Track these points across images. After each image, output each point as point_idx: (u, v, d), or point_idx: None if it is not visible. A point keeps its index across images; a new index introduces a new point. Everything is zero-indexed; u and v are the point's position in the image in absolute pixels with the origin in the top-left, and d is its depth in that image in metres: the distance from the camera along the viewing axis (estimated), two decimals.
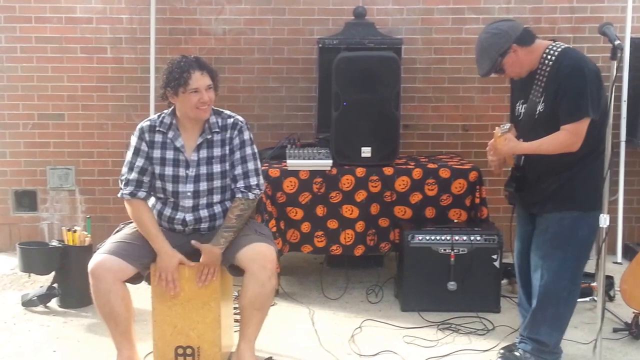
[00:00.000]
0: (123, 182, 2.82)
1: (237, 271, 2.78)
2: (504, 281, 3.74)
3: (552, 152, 2.72)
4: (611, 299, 3.64)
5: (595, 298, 3.49)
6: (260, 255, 2.69)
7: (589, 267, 3.12)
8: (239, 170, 2.82)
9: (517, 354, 2.92)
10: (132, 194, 2.78)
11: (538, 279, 2.83)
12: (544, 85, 2.73)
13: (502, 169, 2.96)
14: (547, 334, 2.85)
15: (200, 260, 2.75)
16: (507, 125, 2.83)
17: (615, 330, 3.25)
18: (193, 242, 2.78)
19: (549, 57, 2.72)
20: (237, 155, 2.83)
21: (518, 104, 2.89)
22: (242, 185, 2.81)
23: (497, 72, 2.80)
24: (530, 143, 2.78)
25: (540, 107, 2.75)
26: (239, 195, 2.80)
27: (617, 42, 2.46)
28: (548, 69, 2.72)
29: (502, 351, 3.03)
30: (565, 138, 2.67)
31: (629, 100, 4.17)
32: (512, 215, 3.04)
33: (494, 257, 3.50)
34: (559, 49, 2.72)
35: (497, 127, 2.85)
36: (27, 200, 4.56)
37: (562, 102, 2.66)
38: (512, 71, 2.79)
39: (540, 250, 2.84)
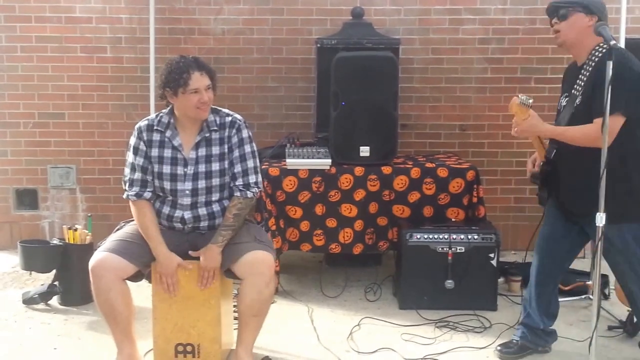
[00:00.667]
0: (127, 183, 2.83)
1: (234, 275, 2.79)
2: (501, 279, 3.77)
3: (578, 143, 2.67)
4: (606, 297, 3.66)
5: (591, 296, 3.54)
6: (257, 263, 2.71)
7: (584, 265, 3.16)
8: (237, 168, 2.84)
9: None
10: (138, 195, 2.80)
11: (634, 290, 2.81)
12: (586, 79, 2.73)
13: (534, 166, 2.93)
14: None
15: (201, 262, 2.76)
16: (530, 100, 2.72)
17: (610, 328, 3.27)
18: (190, 252, 2.80)
19: (597, 53, 2.72)
20: (236, 153, 2.84)
21: (562, 97, 2.88)
22: (241, 183, 2.83)
23: (556, 15, 2.74)
24: (555, 127, 2.75)
25: (578, 100, 2.74)
26: (237, 193, 2.82)
27: (613, 42, 2.46)
28: (593, 64, 2.71)
29: (499, 347, 3.06)
30: (594, 130, 2.60)
31: None
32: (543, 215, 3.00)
33: (491, 255, 3.52)
34: (607, 47, 2.66)
35: (515, 97, 2.75)
36: (28, 198, 4.58)
37: (597, 95, 2.62)
38: (564, 31, 2.73)
39: (619, 266, 2.79)
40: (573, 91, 2.78)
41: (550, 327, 3.07)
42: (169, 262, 2.76)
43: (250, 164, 2.85)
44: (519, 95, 2.73)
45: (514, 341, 3.06)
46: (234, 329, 2.95)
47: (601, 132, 2.54)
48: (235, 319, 2.98)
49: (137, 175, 2.81)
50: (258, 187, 2.87)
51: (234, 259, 2.73)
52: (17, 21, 4.43)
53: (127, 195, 2.82)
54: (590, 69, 2.73)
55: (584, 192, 2.71)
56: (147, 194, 2.81)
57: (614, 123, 2.60)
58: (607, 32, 2.54)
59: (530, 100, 2.72)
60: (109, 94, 4.48)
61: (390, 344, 3.16)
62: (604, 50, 2.70)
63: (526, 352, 3.04)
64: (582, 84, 2.75)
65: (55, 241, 3.70)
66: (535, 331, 3.03)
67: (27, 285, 3.90)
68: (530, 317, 3.03)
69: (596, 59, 2.72)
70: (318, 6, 4.40)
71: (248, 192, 2.82)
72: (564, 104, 2.85)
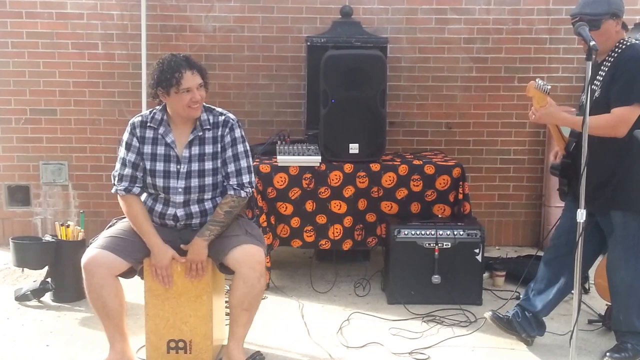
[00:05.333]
0: (117, 178, 2.85)
1: (227, 270, 2.83)
2: (486, 274, 3.85)
3: (595, 132, 2.71)
4: (586, 291, 3.74)
5: (572, 291, 3.63)
6: (249, 257, 2.74)
7: None
8: (231, 167, 2.87)
9: (628, 345, 2.95)
10: (127, 190, 2.82)
11: (619, 277, 2.92)
12: (604, 74, 2.81)
13: (555, 158, 2.99)
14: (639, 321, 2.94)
15: (187, 255, 2.80)
16: (548, 87, 2.76)
17: (590, 322, 3.35)
18: (182, 246, 2.83)
19: (617, 49, 2.81)
20: (229, 152, 2.87)
21: (582, 93, 2.93)
22: (235, 182, 2.86)
23: (590, 23, 2.74)
24: (572, 116, 2.82)
25: (597, 94, 2.81)
26: (231, 192, 2.85)
27: (592, 42, 2.53)
28: (612, 59, 2.80)
29: (490, 313, 3.15)
30: (610, 120, 2.69)
31: None
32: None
33: (476, 251, 3.59)
34: (628, 42, 2.80)
35: (532, 80, 2.79)
36: (20, 195, 4.58)
37: (615, 87, 2.71)
38: (598, 39, 2.74)
39: (614, 252, 2.91)
40: (592, 86, 2.86)
41: (542, 318, 3.13)
42: (163, 254, 2.78)
43: (243, 163, 2.88)
44: (537, 80, 2.76)
45: (506, 316, 3.14)
46: (226, 325, 2.99)
47: (618, 121, 2.63)
48: (226, 315, 3.02)
49: (128, 171, 2.83)
50: (251, 187, 2.90)
51: (225, 252, 2.77)
52: (8, 17, 4.42)
53: (116, 189, 2.84)
54: (609, 64, 2.82)
55: (600, 186, 2.80)
56: (136, 189, 2.84)
57: (632, 113, 2.69)
58: (587, 32, 2.61)
59: (549, 87, 2.76)
60: (101, 90, 4.50)
61: (379, 339, 3.22)
62: (623, 47, 2.79)
63: (511, 330, 3.11)
64: (601, 79, 2.83)
65: (48, 238, 3.70)
66: (527, 315, 3.10)
67: (19, 282, 3.91)
68: (530, 300, 3.11)
69: (615, 54, 2.80)
70: (308, 5, 4.44)
71: (242, 191, 2.86)
72: (582, 100, 2.89)
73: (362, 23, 4.24)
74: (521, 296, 3.16)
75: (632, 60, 2.68)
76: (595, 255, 3.11)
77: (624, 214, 2.80)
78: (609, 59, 2.83)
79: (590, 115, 2.78)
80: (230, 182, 2.87)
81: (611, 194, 2.83)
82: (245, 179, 2.88)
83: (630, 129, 2.72)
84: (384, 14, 4.47)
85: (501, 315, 3.15)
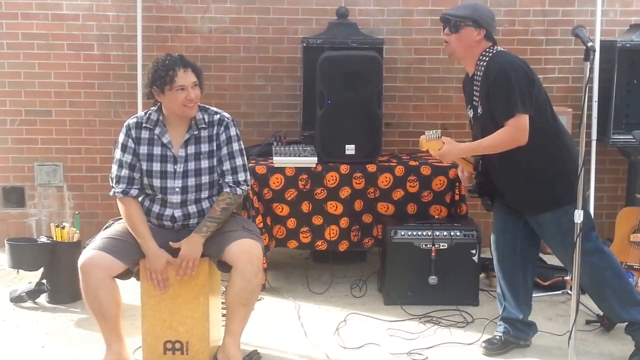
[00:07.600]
0: (114, 180, 2.85)
1: (226, 267, 2.83)
2: (482, 275, 3.85)
3: (498, 149, 2.77)
4: (584, 292, 3.74)
5: (569, 291, 3.64)
6: (247, 251, 2.75)
7: None
8: (227, 165, 2.87)
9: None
10: (125, 192, 2.83)
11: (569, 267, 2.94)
12: (479, 89, 2.84)
13: (470, 180, 3.06)
14: (626, 311, 2.93)
15: (181, 252, 2.77)
16: (434, 132, 2.87)
17: (587, 322, 3.35)
18: (171, 243, 2.81)
19: (481, 62, 2.83)
20: (225, 151, 2.88)
21: (467, 108, 3.00)
22: (231, 180, 2.86)
23: (448, 26, 2.85)
24: (470, 143, 2.87)
25: (480, 110, 2.85)
26: (227, 189, 2.85)
27: (590, 44, 2.55)
28: (481, 73, 2.83)
29: (484, 344, 3.12)
30: (508, 133, 2.74)
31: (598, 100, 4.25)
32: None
33: (473, 252, 3.59)
34: (490, 54, 2.82)
35: (421, 136, 2.90)
36: (15, 196, 4.56)
37: (495, 106, 2.76)
38: (454, 44, 2.84)
39: (560, 254, 2.95)
40: (474, 102, 2.90)
41: (529, 318, 3.14)
42: (157, 258, 2.78)
43: (239, 161, 2.89)
44: (425, 132, 2.87)
45: (497, 337, 3.13)
46: (222, 326, 2.98)
47: (514, 131, 2.70)
48: (223, 316, 3.01)
49: (124, 172, 2.83)
50: (247, 185, 2.91)
51: (223, 248, 2.76)
52: (4, 18, 4.41)
53: (114, 192, 2.84)
54: (479, 78, 2.84)
55: (518, 192, 2.87)
56: (134, 191, 2.84)
57: (521, 122, 2.72)
58: (584, 34, 2.63)
59: (438, 132, 2.87)
60: (96, 91, 4.49)
61: (376, 339, 3.21)
62: (487, 59, 2.81)
63: (509, 347, 3.11)
64: (478, 94, 2.86)
65: (43, 239, 3.69)
66: (516, 324, 3.10)
67: (14, 283, 3.90)
68: (508, 310, 3.11)
69: (482, 68, 2.82)
70: (304, 6, 4.44)
71: (238, 189, 2.87)
72: (470, 115, 2.97)
73: (358, 24, 4.24)
74: (499, 309, 3.16)
75: (499, 77, 2.71)
76: (528, 250, 3.09)
77: (552, 213, 2.83)
78: (478, 72, 2.85)
79: (485, 133, 2.84)
80: (226, 180, 2.87)
81: (533, 199, 2.87)
82: (241, 176, 2.89)
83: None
84: (380, 15, 4.48)
85: (495, 340, 3.13)
